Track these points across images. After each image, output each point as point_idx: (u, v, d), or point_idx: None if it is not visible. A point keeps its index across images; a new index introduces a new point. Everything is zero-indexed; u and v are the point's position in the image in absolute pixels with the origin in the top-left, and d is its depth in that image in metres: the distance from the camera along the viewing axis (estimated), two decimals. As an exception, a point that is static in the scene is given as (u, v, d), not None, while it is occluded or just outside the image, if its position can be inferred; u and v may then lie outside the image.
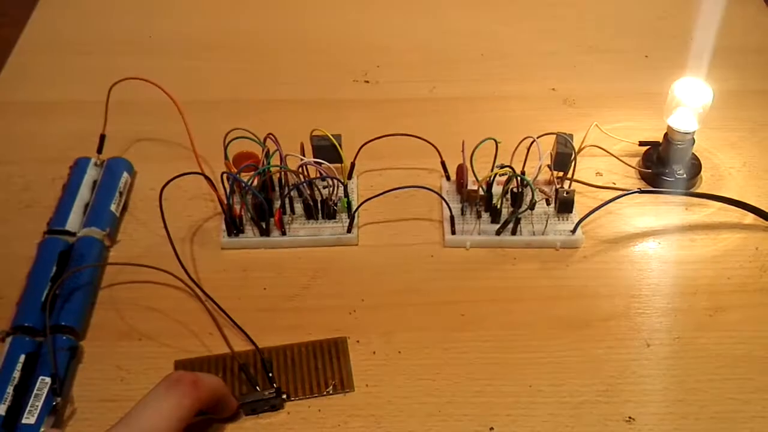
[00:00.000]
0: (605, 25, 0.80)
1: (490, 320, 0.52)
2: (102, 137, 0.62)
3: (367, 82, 0.73)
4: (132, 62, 0.74)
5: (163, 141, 0.66)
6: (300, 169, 0.56)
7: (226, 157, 0.56)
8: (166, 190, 0.53)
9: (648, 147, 0.63)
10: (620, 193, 0.57)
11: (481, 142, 0.56)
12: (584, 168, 0.63)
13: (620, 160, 0.63)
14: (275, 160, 0.57)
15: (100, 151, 0.62)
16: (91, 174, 0.60)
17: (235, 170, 0.55)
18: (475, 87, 0.72)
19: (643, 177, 0.62)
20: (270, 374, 0.48)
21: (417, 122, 0.67)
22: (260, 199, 0.55)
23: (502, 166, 0.57)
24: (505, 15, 0.81)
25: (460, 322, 0.52)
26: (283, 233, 0.57)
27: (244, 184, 0.54)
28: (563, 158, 0.57)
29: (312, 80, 0.73)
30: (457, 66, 0.75)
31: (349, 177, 0.61)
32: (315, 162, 0.55)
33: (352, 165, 0.61)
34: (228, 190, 0.55)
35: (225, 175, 0.54)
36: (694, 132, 0.59)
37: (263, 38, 0.78)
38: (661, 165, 0.61)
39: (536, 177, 0.56)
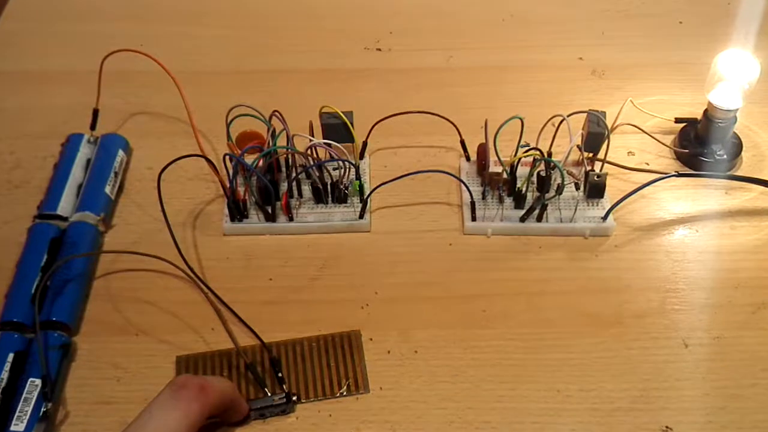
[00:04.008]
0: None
1: (514, 316, 0.48)
2: (95, 112, 0.58)
3: (379, 50, 0.68)
4: (128, 28, 0.70)
5: (162, 115, 0.62)
6: (308, 151, 0.51)
7: (229, 138, 0.52)
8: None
9: (685, 124, 0.58)
10: (656, 176, 0.52)
11: (505, 122, 0.51)
12: (614, 146, 0.58)
13: (654, 138, 0.58)
14: (281, 140, 0.52)
15: (93, 127, 0.58)
16: (84, 152, 0.56)
17: (239, 152, 0.51)
18: (495, 56, 0.67)
19: (679, 157, 0.57)
20: (279, 374, 0.45)
21: (433, 94, 0.63)
22: (265, 182, 0.50)
23: (528, 147, 0.52)
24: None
25: (481, 318, 0.48)
26: (290, 219, 0.53)
27: (248, 167, 0.50)
28: (595, 139, 0.52)
29: (320, 48, 0.68)
30: (475, 32, 0.70)
31: (361, 156, 0.57)
32: (325, 144, 0.51)
33: (364, 144, 0.56)
34: (231, 173, 0.51)
35: (228, 157, 0.50)
36: (737, 110, 0.54)
37: (267, 3, 0.73)
38: (699, 144, 0.57)
39: (566, 159, 0.51)
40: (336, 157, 0.51)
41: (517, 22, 0.71)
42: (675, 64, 0.66)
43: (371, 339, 0.47)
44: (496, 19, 0.71)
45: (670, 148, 0.58)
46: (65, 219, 0.52)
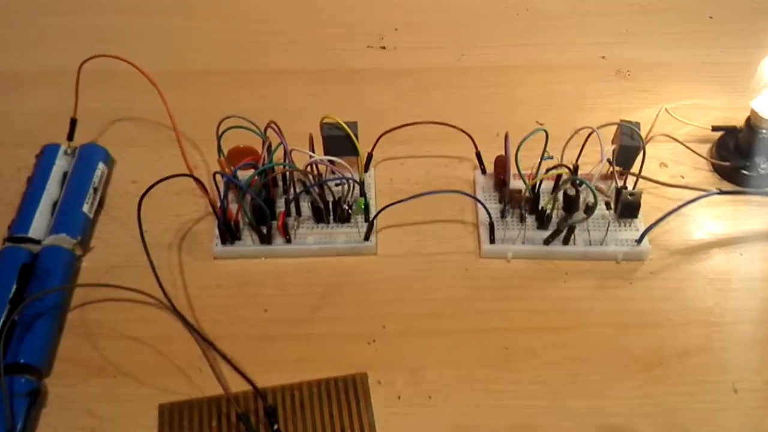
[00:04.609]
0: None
1: (539, 354, 0.43)
2: (73, 122, 0.52)
3: (384, 48, 0.63)
4: (114, 22, 0.65)
5: (148, 121, 0.56)
6: (309, 168, 0.46)
7: (220, 153, 0.46)
8: (149, 184, 0.44)
9: (723, 133, 0.53)
10: (697, 194, 0.46)
11: (528, 136, 0.46)
12: (646, 157, 0.52)
13: (688, 148, 0.53)
14: (278, 154, 0.47)
15: (71, 137, 0.52)
16: (60, 164, 0.51)
17: (231, 170, 0.45)
18: (510, 54, 0.62)
19: (717, 170, 0.52)
20: (275, 426, 0.39)
21: (442, 97, 0.58)
22: (260, 203, 0.45)
23: (551, 159, 0.47)
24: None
25: (503, 357, 0.43)
26: (288, 240, 0.47)
27: (241, 188, 0.45)
28: (628, 152, 0.47)
29: (319, 46, 0.62)
30: (488, 28, 0.64)
31: (366, 169, 0.51)
32: (328, 161, 0.45)
33: (369, 156, 0.51)
34: (222, 192, 0.45)
35: (218, 176, 0.45)
36: (786, 119, 0.49)
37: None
38: (740, 156, 0.51)
39: (597, 176, 0.46)
40: (339, 176, 0.45)
41: (534, 17, 0.65)
42: (707, 63, 0.60)
43: (379, 382, 0.42)
44: (510, 14, 0.66)
45: (706, 159, 0.53)
46: (38, 242, 0.47)
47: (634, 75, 0.60)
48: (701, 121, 0.54)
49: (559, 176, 0.47)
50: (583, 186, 0.46)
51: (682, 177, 0.52)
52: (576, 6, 0.66)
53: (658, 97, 0.57)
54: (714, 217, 0.49)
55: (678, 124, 0.54)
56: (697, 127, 0.54)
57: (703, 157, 0.53)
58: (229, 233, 0.47)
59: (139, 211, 0.43)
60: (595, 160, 0.49)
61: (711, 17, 0.65)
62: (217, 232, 0.47)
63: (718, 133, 0.53)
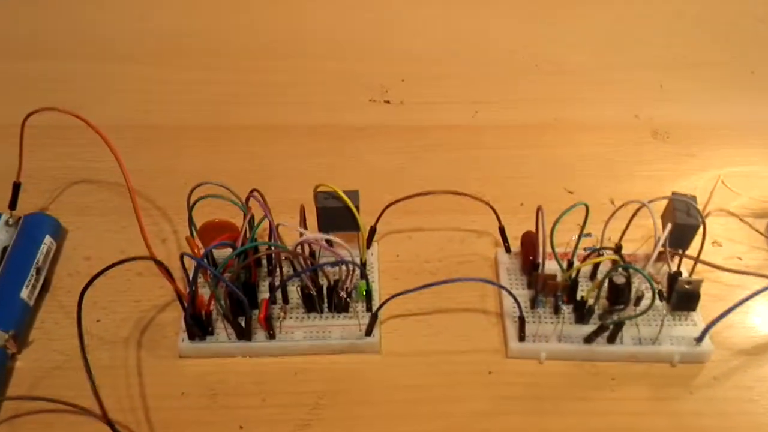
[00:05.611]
0: (694, 29, 0.62)
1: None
2: (15, 187, 0.43)
3: (388, 102, 0.55)
4: (79, 69, 0.57)
5: (110, 183, 0.48)
6: (299, 248, 0.37)
7: (191, 229, 0.38)
8: (106, 262, 0.35)
9: (784, 206, 0.46)
10: (766, 283, 0.38)
11: (565, 212, 0.38)
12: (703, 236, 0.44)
13: (745, 223, 0.45)
14: (264, 226, 0.39)
15: (13, 206, 0.43)
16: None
17: (203, 250, 0.37)
18: (529, 110, 0.55)
19: (780, 250, 0.44)
20: None
21: (456, 159, 0.51)
22: (239, 295, 0.36)
23: (588, 238, 0.39)
24: (567, 14, 0.63)
25: (541, 494, 0.34)
26: (272, 335, 0.39)
27: (214, 275, 0.36)
28: (684, 232, 0.39)
29: (315, 99, 0.55)
30: (504, 81, 0.57)
31: (368, 245, 0.43)
32: (324, 241, 0.37)
33: (372, 230, 0.43)
34: (190, 278, 0.37)
35: (186, 258, 0.36)
36: None
37: (250, 41, 0.60)
38: (808, 235, 0.44)
39: (651, 261, 0.38)
40: (337, 260, 0.37)
41: (554, 70, 0.58)
42: (753, 123, 0.53)
43: None
44: (527, 65, 0.59)
45: (766, 237, 0.45)
46: (-39, 336, 0.38)
47: (673, 137, 0.52)
48: (756, 192, 0.47)
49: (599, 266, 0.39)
50: (631, 272, 0.38)
51: (740, 258, 0.44)
52: (600, 57, 0.59)
53: (702, 162, 0.50)
54: (780, 308, 0.42)
55: (729, 195, 0.47)
56: (751, 198, 0.47)
57: (762, 234, 0.45)
58: (198, 327, 0.38)
59: (80, 303, 0.34)
60: (634, 236, 0.41)
61: (753, 72, 0.58)
62: (183, 324, 0.39)
63: (779, 207, 0.46)
